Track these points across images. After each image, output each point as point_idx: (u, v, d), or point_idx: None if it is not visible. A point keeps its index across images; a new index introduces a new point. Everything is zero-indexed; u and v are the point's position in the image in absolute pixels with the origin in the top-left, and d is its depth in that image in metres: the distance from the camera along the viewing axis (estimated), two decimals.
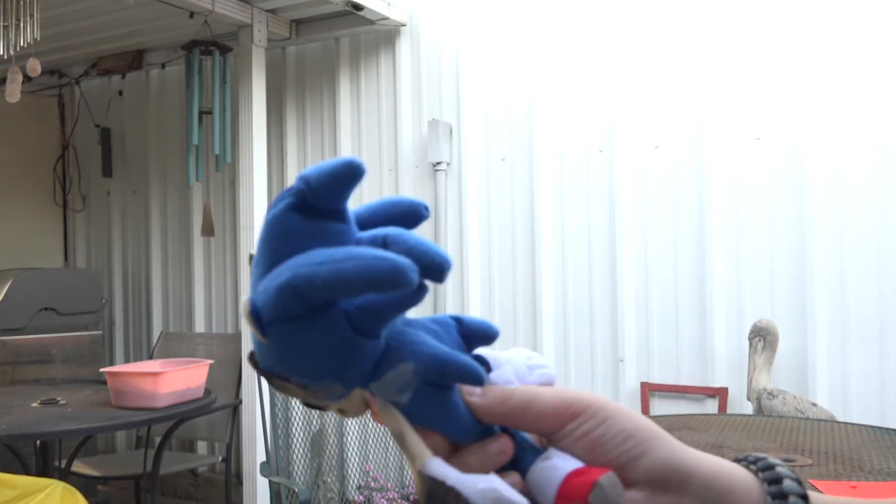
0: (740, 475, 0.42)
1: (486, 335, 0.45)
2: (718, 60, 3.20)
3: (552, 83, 3.54)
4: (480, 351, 0.45)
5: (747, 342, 2.90)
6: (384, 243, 0.40)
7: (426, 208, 0.45)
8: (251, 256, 0.42)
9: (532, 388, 0.42)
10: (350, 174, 0.38)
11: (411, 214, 0.44)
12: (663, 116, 3.32)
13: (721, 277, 3.18)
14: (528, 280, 3.59)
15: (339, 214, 0.40)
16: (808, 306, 3.02)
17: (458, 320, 0.45)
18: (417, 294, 0.40)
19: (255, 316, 0.38)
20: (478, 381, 0.41)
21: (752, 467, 0.43)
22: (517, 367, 0.45)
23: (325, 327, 0.38)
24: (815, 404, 2.68)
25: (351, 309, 0.39)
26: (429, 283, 0.40)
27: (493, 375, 0.43)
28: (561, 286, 3.52)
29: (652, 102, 3.34)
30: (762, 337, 2.81)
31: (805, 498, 0.41)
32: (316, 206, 0.39)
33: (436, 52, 3.84)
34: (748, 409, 2.92)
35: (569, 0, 3.52)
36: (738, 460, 0.44)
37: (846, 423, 2.11)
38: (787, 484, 0.41)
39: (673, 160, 3.30)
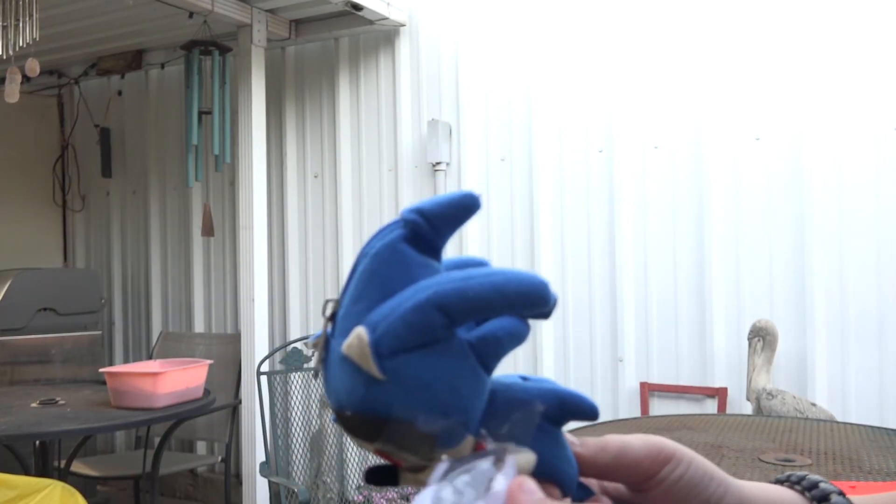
0: (794, 500, 0.44)
1: (570, 409, 0.44)
2: (718, 61, 3.21)
3: (552, 83, 3.54)
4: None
5: (747, 342, 2.91)
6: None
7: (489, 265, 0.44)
8: (326, 303, 0.39)
9: (620, 437, 0.42)
10: (467, 207, 0.37)
11: (481, 265, 0.43)
12: (663, 117, 3.32)
13: (720, 278, 3.18)
14: None
15: (439, 254, 0.39)
16: (807, 306, 3.02)
17: (525, 380, 0.43)
18: (527, 329, 0.39)
19: (375, 346, 0.35)
20: (595, 413, 0.41)
21: (798, 487, 0.45)
22: None
23: (454, 356, 0.36)
24: (814, 404, 2.68)
25: (473, 340, 0.37)
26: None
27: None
28: (560, 286, 3.52)
29: (651, 103, 3.34)
30: (761, 337, 2.81)
31: None
32: (427, 239, 0.38)
33: (435, 53, 3.84)
34: (747, 409, 2.92)
35: (568, 0, 3.52)
36: (779, 481, 0.46)
37: (845, 424, 2.11)
38: (836, 500, 0.43)
39: (672, 160, 3.30)
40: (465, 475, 0.33)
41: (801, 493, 0.44)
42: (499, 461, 0.34)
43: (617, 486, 0.43)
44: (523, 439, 0.37)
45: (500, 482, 0.33)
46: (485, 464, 0.34)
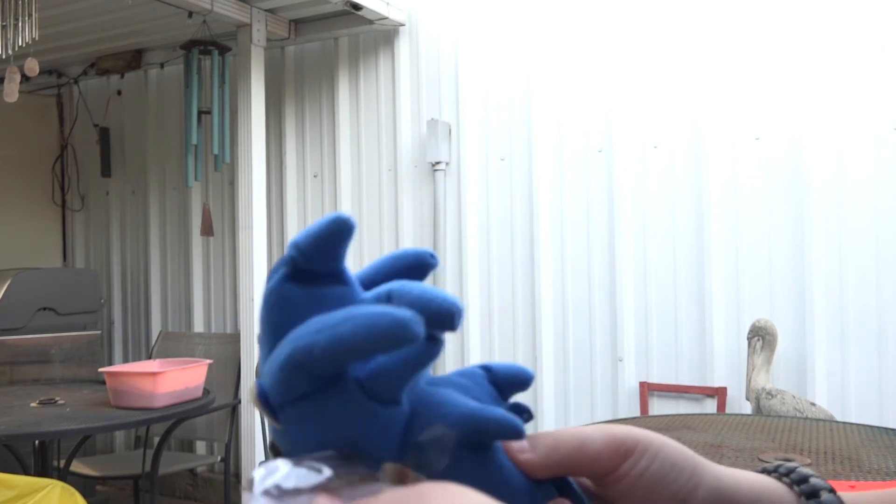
0: (779, 491, 0.42)
1: (518, 381, 0.42)
2: (717, 60, 3.21)
3: (551, 83, 3.54)
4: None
5: (746, 342, 2.91)
6: (388, 298, 0.37)
7: (432, 256, 0.42)
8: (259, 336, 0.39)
9: (580, 430, 0.40)
10: (338, 231, 0.36)
11: (417, 266, 0.42)
12: (662, 116, 3.32)
13: (720, 277, 3.18)
14: (527, 280, 3.59)
15: (338, 276, 0.38)
16: (806, 306, 3.02)
17: (487, 369, 0.42)
18: (431, 349, 0.36)
19: (265, 400, 0.35)
20: (517, 433, 0.38)
21: (786, 479, 0.42)
22: None
23: (339, 400, 0.35)
24: (813, 404, 2.68)
25: (363, 376, 0.36)
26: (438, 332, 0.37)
27: None
28: (560, 286, 3.52)
29: (651, 102, 3.34)
30: (761, 337, 2.81)
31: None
32: (310, 270, 0.37)
33: (435, 52, 3.83)
34: (747, 408, 2.93)
35: (568, 0, 3.52)
36: (766, 471, 0.43)
37: (845, 423, 2.11)
38: (826, 497, 0.41)
39: (672, 160, 3.30)
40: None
41: (790, 486, 0.42)
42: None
43: (582, 481, 0.41)
44: (437, 470, 0.35)
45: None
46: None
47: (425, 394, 0.38)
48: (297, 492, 0.31)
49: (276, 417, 0.36)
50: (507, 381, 0.42)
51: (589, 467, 0.39)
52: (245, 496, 0.32)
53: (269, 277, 0.38)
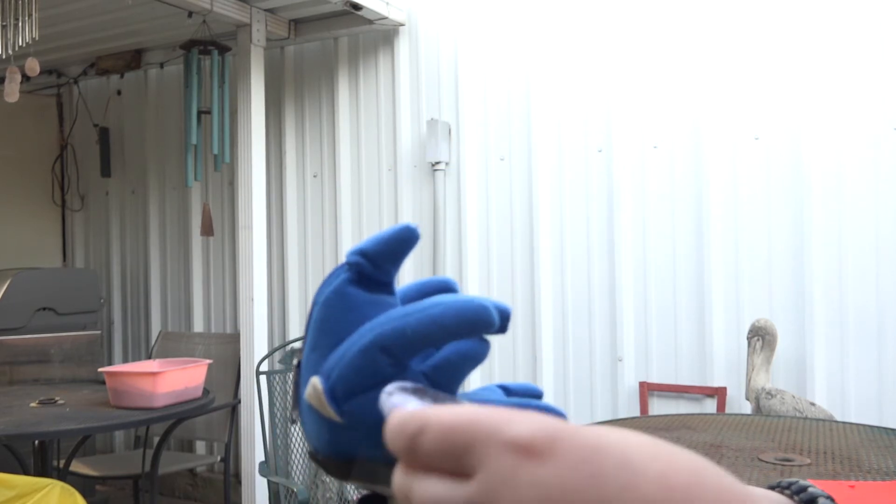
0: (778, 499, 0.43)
1: (531, 393, 0.45)
2: (717, 60, 3.21)
3: (551, 83, 3.54)
4: None
5: (746, 342, 2.91)
6: None
7: (454, 284, 0.44)
8: (293, 353, 0.41)
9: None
10: (407, 239, 0.39)
11: (444, 290, 0.44)
12: (662, 116, 3.32)
13: (720, 277, 3.18)
14: (527, 280, 3.59)
15: (391, 287, 0.40)
16: (806, 306, 3.02)
17: (505, 388, 0.44)
18: (485, 347, 0.39)
19: (331, 393, 0.37)
20: None
21: (787, 492, 0.43)
22: None
23: None
24: (813, 404, 2.69)
25: (426, 369, 0.38)
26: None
27: None
28: (560, 286, 3.52)
29: (650, 102, 3.34)
30: (761, 336, 2.81)
31: None
32: (373, 277, 0.39)
33: (434, 52, 3.83)
34: (747, 408, 2.93)
35: (568, 1, 3.52)
36: (771, 487, 0.45)
37: (844, 423, 2.11)
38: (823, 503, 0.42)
39: (671, 160, 3.30)
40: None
41: (791, 497, 0.43)
42: None
43: None
44: None
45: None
46: None
47: (467, 396, 0.41)
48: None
49: (339, 412, 0.36)
50: (521, 393, 0.44)
51: None
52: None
53: (329, 281, 0.40)
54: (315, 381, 0.37)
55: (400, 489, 0.30)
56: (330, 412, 0.36)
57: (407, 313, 0.36)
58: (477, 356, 0.39)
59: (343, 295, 0.39)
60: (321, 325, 0.39)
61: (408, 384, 0.36)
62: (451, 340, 0.37)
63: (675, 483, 0.27)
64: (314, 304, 0.40)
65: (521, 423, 0.28)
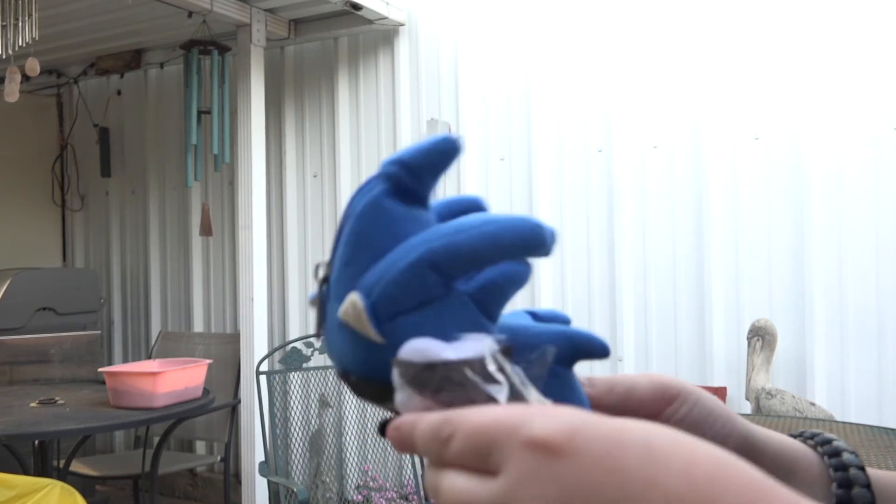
0: (802, 450, 0.44)
1: (559, 318, 0.44)
2: (717, 60, 3.20)
3: (551, 83, 3.54)
4: None
5: (746, 342, 2.91)
6: None
7: (484, 202, 0.43)
8: (317, 266, 0.38)
9: (629, 377, 0.43)
10: (448, 150, 0.36)
11: (474, 209, 0.42)
12: (662, 116, 3.32)
13: (719, 277, 3.18)
14: None
15: (427, 202, 0.38)
16: (806, 306, 3.02)
17: (532, 314, 0.44)
18: (528, 270, 0.39)
19: (372, 311, 0.34)
20: (605, 349, 0.40)
21: (810, 442, 0.45)
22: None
23: (454, 311, 0.35)
24: (813, 404, 2.69)
25: (472, 291, 0.36)
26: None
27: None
28: (559, 286, 3.52)
29: (650, 102, 3.34)
30: (760, 337, 2.81)
31: (863, 468, 0.43)
32: (412, 190, 0.37)
33: (434, 52, 3.83)
34: (747, 408, 2.93)
35: (568, 1, 3.52)
36: (794, 436, 0.47)
37: (844, 423, 2.11)
38: (846, 457, 0.43)
39: (671, 160, 3.30)
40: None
41: (814, 447, 0.45)
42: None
43: None
44: (536, 384, 0.35)
45: (476, 337, 0.34)
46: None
47: (506, 320, 0.39)
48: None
49: (381, 331, 0.34)
50: (549, 319, 0.43)
51: (636, 410, 0.42)
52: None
53: (364, 191, 0.37)
54: (354, 298, 0.34)
55: (430, 483, 0.31)
56: (370, 331, 0.34)
57: (459, 229, 0.34)
58: (521, 279, 0.38)
59: (380, 208, 0.36)
60: (357, 239, 0.36)
61: (495, 348, 0.33)
62: (503, 260, 0.36)
63: (699, 476, 0.27)
64: (346, 216, 0.37)
65: (540, 420, 0.29)
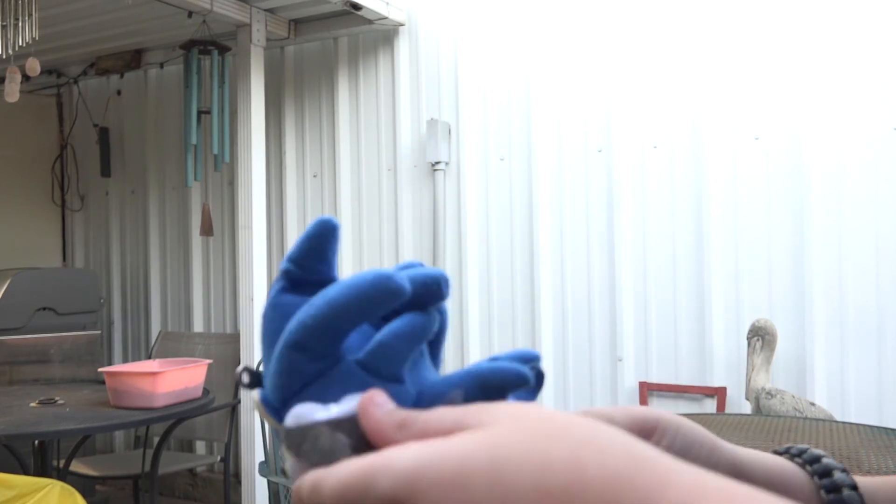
0: (791, 469, 0.43)
1: (521, 360, 0.42)
2: (717, 60, 3.21)
3: (551, 83, 3.54)
4: None
5: (746, 342, 2.91)
6: None
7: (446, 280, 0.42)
8: (243, 369, 0.39)
9: (605, 410, 0.42)
10: (323, 232, 0.38)
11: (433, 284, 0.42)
12: (662, 116, 3.32)
13: (720, 277, 3.18)
14: (527, 280, 3.59)
15: (332, 279, 0.39)
16: (806, 306, 3.02)
17: (494, 360, 0.43)
18: (426, 321, 0.37)
19: (266, 402, 0.36)
20: (522, 379, 0.37)
21: (798, 460, 0.44)
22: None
23: (341, 381, 0.35)
24: (813, 404, 2.69)
25: (361, 357, 0.36)
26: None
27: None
28: (559, 286, 3.52)
29: (650, 102, 3.34)
30: (760, 337, 2.81)
31: (855, 488, 0.42)
32: (304, 278, 0.38)
33: (434, 52, 3.83)
34: (746, 408, 2.93)
35: (568, 0, 3.52)
36: (781, 452, 0.45)
37: (844, 423, 2.11)
38: (838, 476, 0.42)
39: (671, 160, 3.30)
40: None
41: (802, 466, 0.44)
42: None
43: None
44: None
45: (353, 397, 0.34)
46: None
47: (431, 379, 0.39)
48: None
49: (279, 418, 0.36)
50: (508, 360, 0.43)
51: None
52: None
53: (268, 295, 0.40)
54: (254, 394, 0.37)
55: None
56: (270, 420, 0.36)
57: (311, 303, 0.35)
58: (415, 333, 0.36)
59: (276, 305, 0.39)
60: (263, 338, 0.39)
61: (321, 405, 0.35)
62: (361, 318, 0.35)
63: (552, 487, 0.27)
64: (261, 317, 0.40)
65: (383, 475, 0.29)
